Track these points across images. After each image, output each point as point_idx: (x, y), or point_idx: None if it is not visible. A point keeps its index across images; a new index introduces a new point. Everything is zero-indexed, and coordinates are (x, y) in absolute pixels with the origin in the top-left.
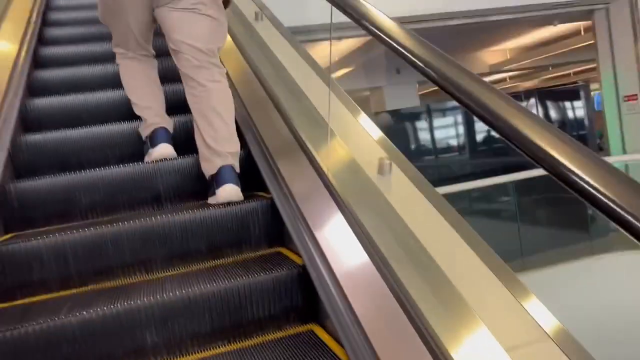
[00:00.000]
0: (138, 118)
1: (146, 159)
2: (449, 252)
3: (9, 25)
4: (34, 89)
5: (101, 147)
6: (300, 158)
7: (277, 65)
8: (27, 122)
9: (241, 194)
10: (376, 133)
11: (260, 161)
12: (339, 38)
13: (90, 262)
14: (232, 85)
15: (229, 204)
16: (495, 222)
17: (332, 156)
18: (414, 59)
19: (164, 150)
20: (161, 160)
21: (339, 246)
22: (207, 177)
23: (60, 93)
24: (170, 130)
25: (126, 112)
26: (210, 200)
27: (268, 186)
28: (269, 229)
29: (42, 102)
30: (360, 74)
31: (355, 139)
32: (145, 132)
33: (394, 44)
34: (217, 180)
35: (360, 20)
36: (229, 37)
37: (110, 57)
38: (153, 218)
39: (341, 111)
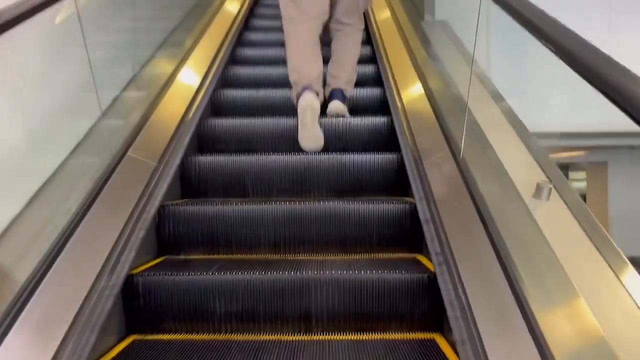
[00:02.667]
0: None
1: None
2: None
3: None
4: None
5: (256, 226)
6: None
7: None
8: (188, 182)
9: (345, 109)
10: None
11: None
12: None
13: None
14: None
15: None
16: None
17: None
18: None
19: (309, 97)
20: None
21: None
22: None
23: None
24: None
25: (289, 179)
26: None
27: None
28: None
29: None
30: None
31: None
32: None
33: None
34: (328, 98)
35: None
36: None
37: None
38: None
39: None
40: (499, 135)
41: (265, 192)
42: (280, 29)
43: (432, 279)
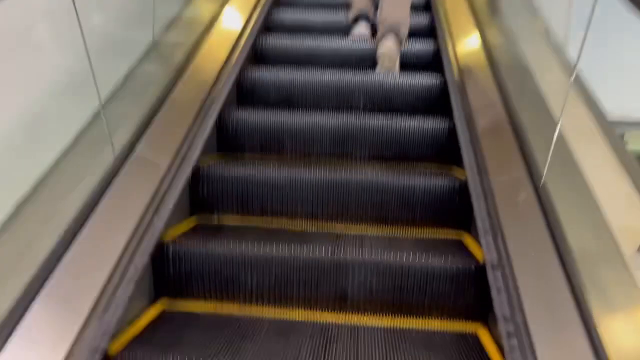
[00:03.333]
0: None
1: (350, 37)
2: None
3: None
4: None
5: (293, 193)
6: None
7: None
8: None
9: (397, 54)
10: None
11: None
12: None
13: None
14: None
15: None
16: None
17: None
18: None
19: (362, 29)
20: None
21: None
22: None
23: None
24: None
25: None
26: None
27: None
28: None
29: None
30: None
31: None
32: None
33: None
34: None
35: None
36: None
37: None
38: None
39: None
40: (589, 152)
41: (304, 151)
42: None
43: (479, 269)
